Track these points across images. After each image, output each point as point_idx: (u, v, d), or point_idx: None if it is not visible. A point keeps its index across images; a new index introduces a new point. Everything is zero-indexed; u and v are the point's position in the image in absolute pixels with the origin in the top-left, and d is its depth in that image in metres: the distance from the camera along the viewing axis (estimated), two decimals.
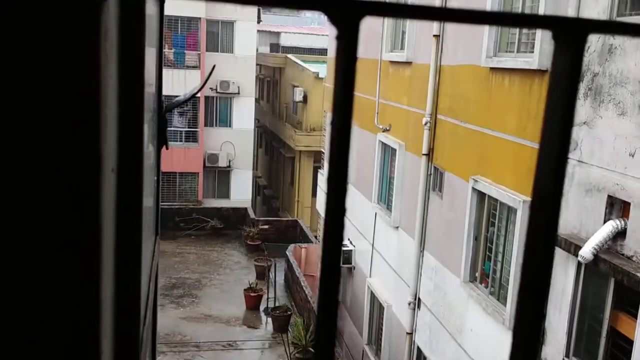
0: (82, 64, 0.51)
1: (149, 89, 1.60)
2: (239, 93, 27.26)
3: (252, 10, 27.26)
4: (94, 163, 0.54)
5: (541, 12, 7.54)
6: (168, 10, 25.63)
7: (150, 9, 1.45)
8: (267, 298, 18.06)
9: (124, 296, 0.83)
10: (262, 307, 18.25)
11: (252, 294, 18.17)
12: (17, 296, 0.55)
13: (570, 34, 0.46)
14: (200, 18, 26.08)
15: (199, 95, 25.86)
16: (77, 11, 0.50)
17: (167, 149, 1.97)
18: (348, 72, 0.41)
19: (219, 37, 27.03)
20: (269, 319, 17.48)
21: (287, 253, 19.84)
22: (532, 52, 7.82)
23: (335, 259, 0.45)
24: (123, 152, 0.80)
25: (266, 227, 23.85)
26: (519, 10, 8.32)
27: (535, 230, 0.50)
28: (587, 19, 0.47)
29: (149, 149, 1.58)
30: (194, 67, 26.12)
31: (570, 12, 6.98)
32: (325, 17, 0.41)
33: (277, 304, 17.82)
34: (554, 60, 0.47)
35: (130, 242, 0.86)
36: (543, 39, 7.49)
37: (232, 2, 0.41)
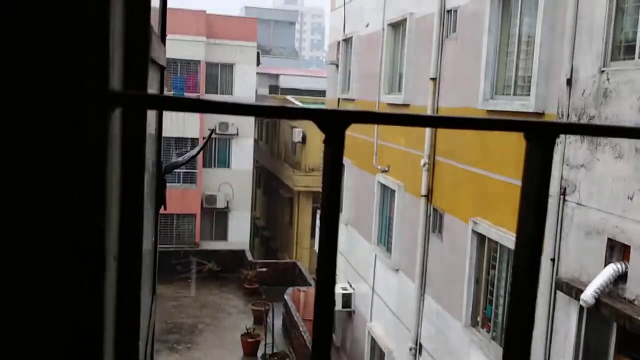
0: (89, 168, 0.56)
1: (150, 154, 1.61)
2: (237, 134, 27.41)
3: (251, 53, 27.63)
4: (99, 254, 0.58)
5: (535, 58, 7.62)
6: (168, 53, 25.90)
7: (153, 80, 1.47)
8: (265, 344, 17.76)
9: None
10: (259, 354, 17.93)
11: (250, 340, 17.88)
12: None
13: (541, 136, 0.52)
14: (200, 61, 26.41)
15: (197, 136, 25.99)
16: (87, 121, 0.54)
17: (165, 209, 1.97)
18: (334, 175, 0.45)
19: (219, 79, 27.33)
20: None
21: (285, 297, 19.61)
22: (529, 94, 7.88)
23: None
24: (124, 243, 0.84)
25: (264, 269, 23.64)
26: (515, 58, 8.41)
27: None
28: (556, 123, 0.53)
29: (148, 210, 1.58)
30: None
31: (565, 58, 7.05)
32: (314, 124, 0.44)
33: (275, 350, 17.50)
34: (526, 157, 0.52)
35: (128, 324, 0.89)
36: (539, 83, 7.55)
37: (229, 113, 0.45)
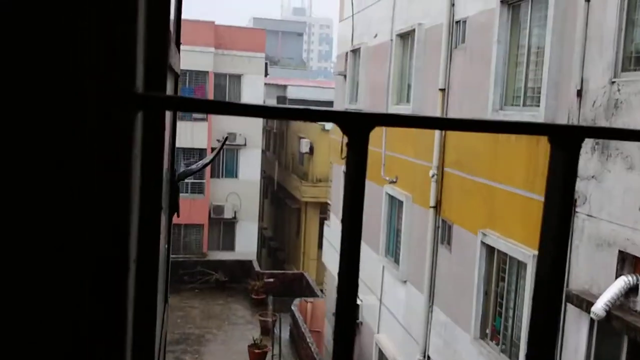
0: (117, 170, 0.57)
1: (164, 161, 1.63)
2: (245, 144, 27.47)
3: (259, 64, 27.75)
4: (123, 257, 0.59)
5: (545, 68, 7.59)
6: None
7: (169, 87, 1.49)
8: (272, 355, 17.68)
9: None
10: None
11: (257, 351, 17.80)
12: None
13: (566, 140, 0.51)
14: (208, 71, 26.54)
15: (205, 147, 26.06)
16: (113, 122, 0.55)
17: (177, 216, 1.97)
18: (358, 179, 0.45)
19: (227, 89, 27.44)
20: None
21: (293, 308, 19.53)
22: (538, 105, 7.85)
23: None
24: (142, 246, 0.84)
25: (271, 280, 23.59)
26: (524, 69, 8.39)
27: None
28: (582, 126, 0.52)
29: (162, 217, 1.59)
30: (202, 120, 26.42)
31: (575, 69, 7.02)
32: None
33: None
34: (550, 161, 0.51)
35: (145, 330, 0.89)
36: (549, 94, 7.53)
37: (249, 115, 0.44)
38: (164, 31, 0.97)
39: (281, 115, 0.43)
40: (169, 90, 1.51)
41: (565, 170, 0.51)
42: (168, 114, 1.43)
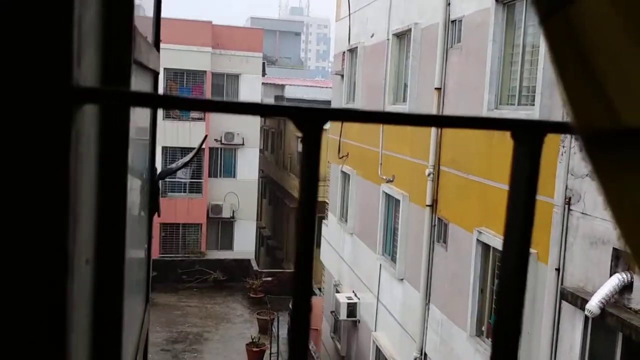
0: (49, 169, 0.53)
1: (142, 159, 1.62)
2: (243, 144, 27.49)
3: (257, 63, 27.76)
4: (60, 254, 0.55)
5: (540, 67, 7.64)
6: (174, 64, 26.15)
7: (142, 85, 1.48)
8: (270, 353, 17.73)
9: None
10: None
11: (255, 349, 17.84)
12: None
13: (529, 135, 0.50)
14: (205, 71, 26.55)
15: (203, 146, 26.06)
16: (45, 117, 0.52)
17: (158, 216, 1.97)
18: (312, 172, 0.44)
19: (224, 89, 27.45)
20: None
21: (291, 306, 19.50)
22: (533, 104, 7.90)
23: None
24: (102, 244, 0.81)
25: (269, 279, 23.63)
26: (519, 68, 8.44)
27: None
28: (544, 121, 0.51)
29: (140, 216, 1.58)
30: (199, 120, 26.44)
31: None
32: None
33: (280, 359, 17.48)
34: (514, 157, 0.50)
35: (110, 335, 0.86)
36: (544, 93, 7.58)
37: (204, 110, 0.43)
38: (126, 26, 0.93)
39: (231, 110, 0.42)
40: (142, 88, 1.48)
41: (528, 165, 0.49)
42: (140, 112, 1.40)
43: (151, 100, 0.44)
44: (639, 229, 0.43)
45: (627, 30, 0.40)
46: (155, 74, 1.90)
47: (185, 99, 0.42)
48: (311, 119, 0.42)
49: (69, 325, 0.57)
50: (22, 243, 0.53)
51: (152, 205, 1.83)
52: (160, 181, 2.11)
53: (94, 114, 0.73)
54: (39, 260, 0.54)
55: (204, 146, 26.02)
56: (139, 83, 1.31)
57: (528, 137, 0.50)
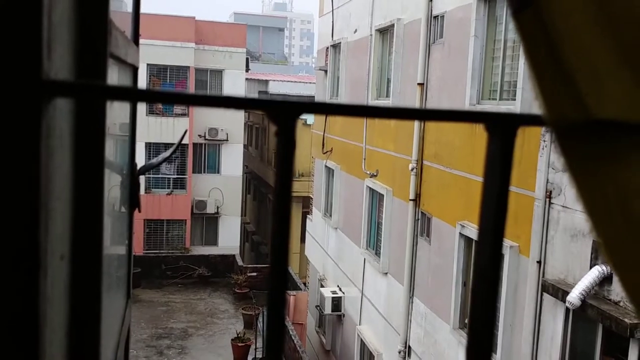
0: (19, 163, 0.53)
1: (122, 154, 1.62)
2: (227, 140, 27.41)
3: (240, 59, 27.66)
4: (31, 250, 0.55)
5: (521, 62, 7.71)
6: (157, 59, 25.97)
7: (122, 79, 1.47)
8: (256, 348, 17.74)
9: None
10: (250, 358, 17.91)
11: (240, 344, 17.85)
12: None
13: (502, 128, 0.50)
14: (189, 67, 26.41)
15: (187, 142, 25.96)
16: (14, 110, 0.51)
17: (139, 211, 1.98)
18: (286, 164, 0.45)
19: (208, 85, 27.32)
20: None
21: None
22: (514, 99, 7.97)
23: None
24: (78, 239, 0.81)
25: (254, 274, 23.61)
26: (501, 63, 8.51)
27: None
28: (518, 114, 0.50)
29: (120, 212, 1.58)
30: (183, 115, 26.30)
31: None
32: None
33: (265, 354, 17.47)
34: (487, 150, 0.50)
35: (87, 331, 0.86)
36: (525, 87, 7.65)
37: (177, 103, 0.43)
38: (101, 18, 0.92)
39: (206, 103, 0.42)
40: (121, 83, 1.46)
41: (502, 158, 0.50)
42: (119, 106, 1.38)
43: (124, 94, 0.44)
44: (609, 221, 0.45)
45: (596, 24, 0.42)
46: (135, 69, 1.90)
47: (159, 92, 0.43)
48: (285, 112, 0.43)
49: (42, 321, 0.56)
50: None
51: (132, 201, 1.84)
52: (141, 176, 2.11)
53: (68, 107, 0.73)
54: (9, 256, 0.53)
55: (187, 142, 25.92)
56: (117, 78, 1.31)
57: (501, 130, 0.50)
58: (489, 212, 0.51)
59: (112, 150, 1.12)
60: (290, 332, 17.13)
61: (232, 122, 27.43)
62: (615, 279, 6.15)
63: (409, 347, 11.06)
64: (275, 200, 0.46)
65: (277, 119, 0.44)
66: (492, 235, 0.51)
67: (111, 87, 0.48)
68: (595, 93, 0.44)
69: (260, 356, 17.39)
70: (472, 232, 8.83)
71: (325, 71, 16.68)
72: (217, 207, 27.33)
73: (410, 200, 10.90)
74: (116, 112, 1.33)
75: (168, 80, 26.51)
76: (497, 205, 0.51)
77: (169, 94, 0.43)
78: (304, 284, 21.55)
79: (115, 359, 1.39)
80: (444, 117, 0.53)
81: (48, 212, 0.58)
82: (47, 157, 0.56)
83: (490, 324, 0.51)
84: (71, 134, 0.75)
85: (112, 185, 1.20)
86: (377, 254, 12.77)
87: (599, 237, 0.46)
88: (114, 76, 1.22)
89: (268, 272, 0.47)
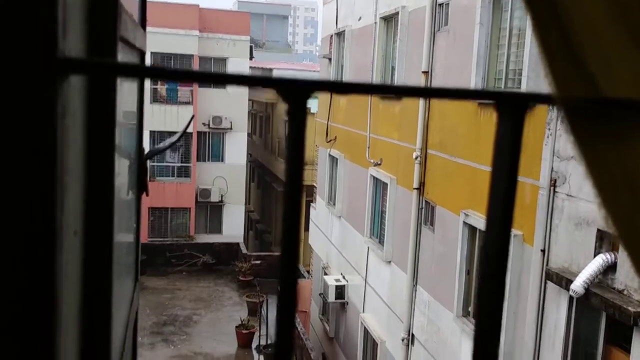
0: (35, 141, 0.53)
1: (130, 138, 1.62)
2: (231, 128, 27.38)
3: (244, 47, 27.58)
4: (48, 224, 0.55)
5: (526, 51, 7.67)
6: (161, 47, 25.90)
7: (130, 58, 1.48)
8: (260, 335, 17.84)
9: (91, 349, 0.83)
10: (254, 345, 18.01)
11: (244, 331, 17.95)
12: None
13: (511, 106, 0.49)
14: (193, 55, 26.34)
15: (191, 130, 25.96)
16: (31, 87, 0.52)
17: (147, 195, 1.98)
18: (297, 143, 0.45)
19: None
20: (262, 357, 17.23)
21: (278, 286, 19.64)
22: (520, 87, 7.94)
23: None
24: (90, 215, 0.82)
25: (258, 262, 23.70)
26: (506, 51, 8.46)
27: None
28: (528, 93, 0.50)
29: (129, 196, 1.59)
30: (187, 103, 26.28)
31: None
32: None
33: (269, 341, 17.59)
34: (497, 129, 0.50)
35: (99, 307, 0.87)
36: (530, 75, 7.62)
37: (185, 80, 0.43)
38: (111, 1, 0.92)
39: (216, 80, 0.42)
40: None
41: (512, 137, 0.49)
42: (127, 90, 1.39)
43: (136, 71, 0.45)
44: (618, 198, 0.46)
45: (607, 9, 0.42)
46: (142, 53, 1.90)
47: (171, 70, 0.42)
48: (297, 90, 0.43)
49: (59, 295, 0.58)
50: (11, 211, 0.54)
51: (140, 185, 1.85)
52: (148, 161, 2.12)
53: (80, 87, 0.73)
54: (27, 229, 0.54)
55: (191, 130, 25.92)
56: (125, 61, 1.31)
57: (511, 108, 0.49)
58: (498, 192, 0.51)
59: (119, 134, 1.13)
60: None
61: (236, 111, 27.41)
62: (619, 267, 6.15)
63: (412, 334, 11.10)
64: (286, 179, 0.46)
65: (289, 97, 0.43)
66: (501, 214, 0.51)
67: (122, 64, 0.48)
68: (605, 75, 0.44)
69: (265, 343, 17.49)
70: (476, 220, 8.83)
71: (330, 59, 16.63)
72: (222, 196, 27.37)
73: (414, 188, 10.90)
74: (124, 98, 1.33)
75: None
76: (507, 185, 0.51)
77: (179, 71, 0.43)
78: (308, 272, 21.62)
79: (125, 336, 1.40)
80: (454, 95, 0.52)
81: (63, 187, 0.59)
82: (63, 134, 0.57)
83: (498, 311, 0.51)
84: (83, 112, 0.75)
85: (120, 168, 1.21)
86: (381, 242, 12.78)
87: (608, 213, 0.47)
88: (123, 59, 1.22)
89: (278, 255, 0.47)
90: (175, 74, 0.44)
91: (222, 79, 0.43)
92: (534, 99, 0.51)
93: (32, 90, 0.52)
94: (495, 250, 0.51)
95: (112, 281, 0.94)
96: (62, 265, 0.60)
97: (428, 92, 0.53)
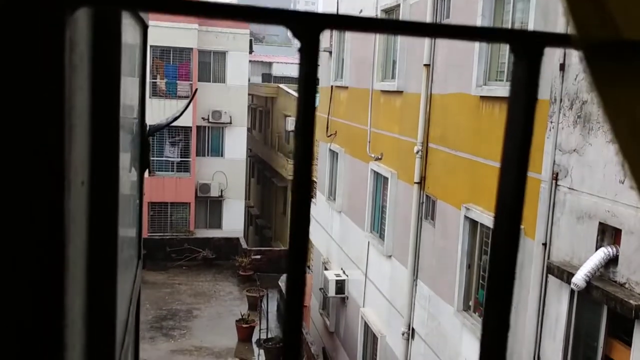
0: (44, 76, 0.52)
1: (132, 113, 1.60)
2: (231, 123, 27.35)
3: (244, 40, 27.52)
4: (56, 175, 0.54)
5: (531, 20, 7.61)
6: (160, 41, 25.84)
7: (132, 36, 1.46)
8: (260, 329, 17.85)
9: (97, 318, 0.81)
10: (254, 339, 18.03)
11: (244, 325, 17.96)
12: None
13: (528, 47, 0.47)
14: (192, 49, 26.29)
15: (190, 125, 25.91)
16: (39, 24, 0.51)
17: (149, 174, 1.97)
18: (309, 83, 0.42)
19: (211, 67, 27.22)
20: (262, 351, 17.25)
21: (280, 283, 19.68)
22: None
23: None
24: (96, 166, 0.80)
25: (258, 257, 23.71)
26: (510, 21, 8.41)
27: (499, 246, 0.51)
28: (544, 32, 0.48)
29: (131, 172, 1.57)
30: (186, 97, 26.23)
31: (560, 22, 7.04)
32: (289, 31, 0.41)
33: (269, 336, 17.61)
34: (513, 73, 0.48)
35: (104, 258, 0.86)
36: None
37: (187, 14, 0.41)
38: None
39: (221, 13, 0.40)
40: (136, 39, 1.45)
41: (528, 79, 0.48)
42: (130, 83, 1.37)
43: (142, 2, 0.42)
44: (635, 143, 0.44)
45: None
46: (145, 27, 1.88)
47: (177, 1, 0.41)
48: (310, 24, 0.41)
49: (67, 239, 0.57)
50: (20, 153, 0.53)
51: (143, 161, 1.82)
52: (150, 137, 2.10)
53: (85, 26, 0.71)
54: (37, 171, 0.54)
55: (190, 124, 25.88)
56: (129, 33, 1.29)
57: (527, 50, 0.48)
58: (514, 141, 0.49)
59: (121, 110, 1.10)
60: None
61: (236, 105, 27.37)
62: (620, 260, 6.13)
63: (413, 329, 11.09)
64: (297, 119, 0.43)
65: (301, 32, 0.41)
66: (516, 165, 0.49)
67: None
68: (624, 13, 0.42)
69: (265, 337, 17.50)
70: (477, 215, 8.81)
71: (330, 52, 16.58)
72: (221, 191, 27.36)
73: (415, 183, 10.87)
74: (127, 92, 1.31)
75: (171, 62, 26.41)
76: (523, 133, 0.48)
77: (192, 3, 0.41)
78: (308, 266, 21.62)
79: (127, 315, 1.38)
80: (467, 35, 0.49)
81: (71, 127, 0.58)
82: (70, 72, 0.56)
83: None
84: (90, 50, 0.74)
85: (123, 144, 1.19)
86: (381, 237, 12.77)
87: (625, 159, 0.45)
88: (127, 31, 1.20)
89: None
90: (181, 6, 0.41)
91: (227, 13, 0.41)
92: (550, 38, 0.49)
93: (40, 22, 0.51)
94: (512, 193, 0.50)
95: (117, 232, 0.92)
96: (70, 212, 0.59)
97: (443, 30, 0.50)
